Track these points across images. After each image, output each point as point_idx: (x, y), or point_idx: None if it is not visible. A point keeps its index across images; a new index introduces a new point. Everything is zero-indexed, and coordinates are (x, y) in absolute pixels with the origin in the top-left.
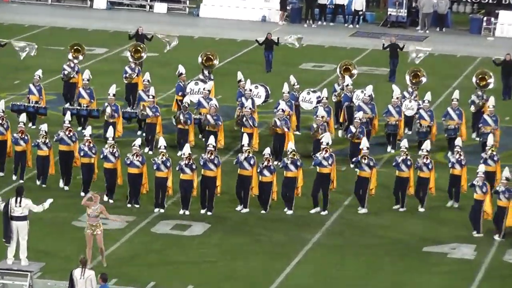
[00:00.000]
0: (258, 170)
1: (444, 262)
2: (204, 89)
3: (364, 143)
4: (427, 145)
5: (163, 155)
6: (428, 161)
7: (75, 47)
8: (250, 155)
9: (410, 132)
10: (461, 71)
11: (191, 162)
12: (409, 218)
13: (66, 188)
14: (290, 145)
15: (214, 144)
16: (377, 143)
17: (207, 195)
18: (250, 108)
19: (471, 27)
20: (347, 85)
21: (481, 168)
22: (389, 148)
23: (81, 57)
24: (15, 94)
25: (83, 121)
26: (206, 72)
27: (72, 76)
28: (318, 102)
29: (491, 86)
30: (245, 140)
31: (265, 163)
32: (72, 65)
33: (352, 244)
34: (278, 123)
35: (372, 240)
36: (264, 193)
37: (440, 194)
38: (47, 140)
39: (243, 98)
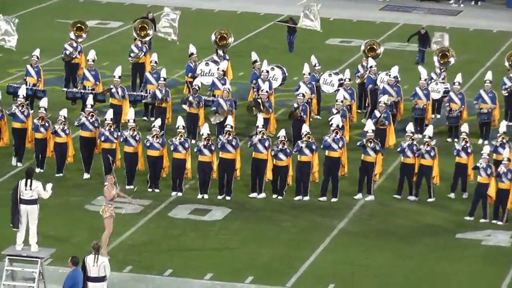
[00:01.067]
0: (273, 154)
1: (479, 249)
2: (218, 69)
3: (369, 126)
4: (429, 130)
5: (181, 135)
6: (430, 148)
7: (77, 25)
8: (265, 137)
9: (439, 116)
10: (496, 48)
11: (210, 143)
12: (439, 205)
13: (87, 176)
14: (304, 128)
15: (232, 124)
16: (403, 128)
17: (226, 179)
18: (267, 91)
19: (507, 1)
20: (371, 66)
21: (486, 149)
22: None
23: (84, 35)
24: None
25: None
26: (220, 52)
27: (74, 56)
28: (341, 85)
29: None
30: (260, 121)
31: (280, 146)
32: (75, 44)
33: (380, 231)
34: (297, 107)
35: (401, 227)
36: (279, 178)
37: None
38: (65, 127)
39: (259, 81)
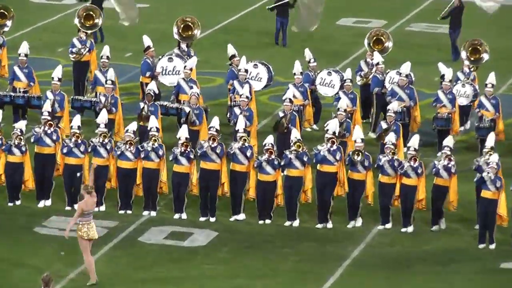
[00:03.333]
0: (256, 165)
1: None
2: (185, 67)
3: (358, 134)
4: (414, 141)
5: (155, 139)
6: (417, 164)
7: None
8: (246, 144)
9: (467, 127)
10: None
11: (188, 149)
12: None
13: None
14: (294, 134)
15: (218, 128)
16: (424, 143)
17: (209, 195)
18: (246, 97)
19: None
20: (378, 63)
21: (494, 157)
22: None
23: (9, 24)
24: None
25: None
26: (183, 46)
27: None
28: (342, 86)
29: None
30: (241, 123)
31: (266, 156)
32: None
33: (403, 260)
34: (283, 117)
35: (428, 254)
36: (265, 197)
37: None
38: (22, 142)
39: (235, 82)
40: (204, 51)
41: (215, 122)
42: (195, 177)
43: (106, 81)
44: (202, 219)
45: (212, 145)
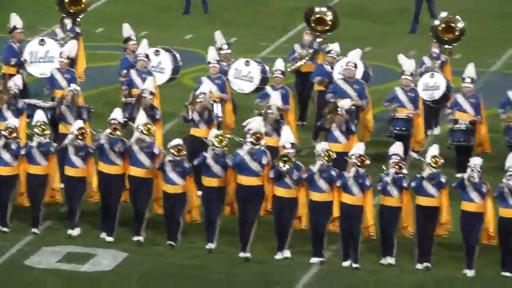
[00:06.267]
0: (158, 166)
1: None
2: (61, 54)
3: (287, 137)
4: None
5: (43, 128)
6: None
7: None
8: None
9: (437, 131)
10: None
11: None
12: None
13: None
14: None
15: (121, 121)
16: (375, 153)
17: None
18: (151, 93)
19: None
20: (330, 51)
21: (478, 160)
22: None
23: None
24: None
25: None
26: (68, 23)
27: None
28: (264, 79)
29: None
30: (142, 118)
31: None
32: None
33: None
34: (195, 117)
35: None
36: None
37: None
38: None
39: (133, 73)
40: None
41: (116, 113)
42: (95, 181)
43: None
44: (109, 238)
45: (113, 133)
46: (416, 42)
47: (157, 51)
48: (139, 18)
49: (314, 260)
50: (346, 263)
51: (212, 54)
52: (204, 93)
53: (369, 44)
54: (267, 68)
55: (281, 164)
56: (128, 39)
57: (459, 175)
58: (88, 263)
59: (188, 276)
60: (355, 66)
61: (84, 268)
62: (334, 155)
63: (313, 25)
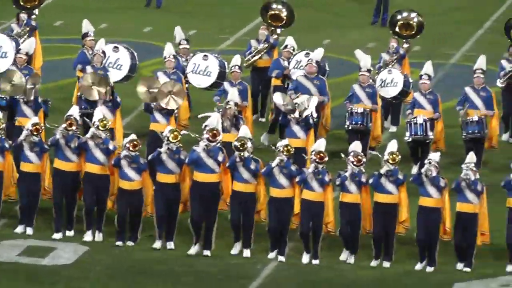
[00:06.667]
0: (114, 162)
1: None
2: (19, 50)
3: (244, 134)
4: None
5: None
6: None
7: None
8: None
9: (394, 129)
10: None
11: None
12: None
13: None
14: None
15: (77, 117)
16: (333, 151)
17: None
18: (112, 89)
19: None
20: (286, 46)
21: (435, 156)
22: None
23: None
24: None
25: None
26: (23, 17)
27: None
28: (222, 74)
29: None
30: (98, 114)
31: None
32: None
33: None
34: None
35: None
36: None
37: None
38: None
39: (89, 69)
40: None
41: (73, 109)
42: (48, 178)
43: None
44: (70, 233)
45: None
46: (377, 34)
47: (116, 47)
48: (99, 11)
49: (274, 255)
50: (306, 259)
51: (168, 49)
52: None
53: (328, 36)
54: (225, 62)
55: (238, 159)
56: (85, 35)
57: (415, 169)
58: (48, 257)
59: (150, 269)
60: (317, 63)
61: (44, 261)
62: (293, 151)
63: (269, 21)
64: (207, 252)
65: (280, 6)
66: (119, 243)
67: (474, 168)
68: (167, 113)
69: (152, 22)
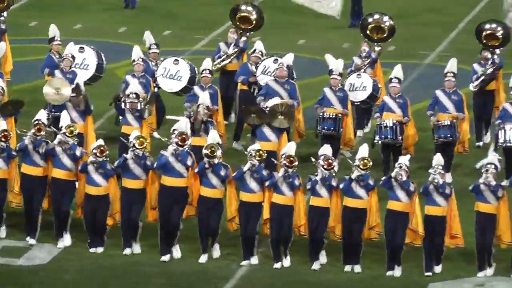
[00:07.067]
0: (81, 168)
1: None
2: None
3: (213, 139)
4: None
5: None
6: (295, 181)
7: None
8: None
9: (367, 130)
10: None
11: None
12: None
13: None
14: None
15: (45, 121)
16: (304, 155)
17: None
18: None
19: None
20: (254, 50)
21: (405, 159)
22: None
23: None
24: None
25: None
26: None
27: None
28: (193, 78)
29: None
30: (65, 120)
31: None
32: None
33: None
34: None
35: None
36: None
37: None
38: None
39: (57, 73)
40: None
41: (40, 114)
42: (17, 183)
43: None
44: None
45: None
46: (350, 35)
47: (82, 48)
48: (73, 11)
49: (245, 262)
50: (277, 264)
51: (136, 52)
52: (131, 94)
53: (303, 37)
54: (195, 67)
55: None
56: (52, 39)
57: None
58: (23, 257)
59: (123, 269)
60: (288, 67)
61: (20, 262)
62: (265, 155)
63: (238, 23)
64: (165, 258)
65: (250, 8)
66: (92, 250)
67: (442, 171)
68: (140, 116)
69: (126, 23)
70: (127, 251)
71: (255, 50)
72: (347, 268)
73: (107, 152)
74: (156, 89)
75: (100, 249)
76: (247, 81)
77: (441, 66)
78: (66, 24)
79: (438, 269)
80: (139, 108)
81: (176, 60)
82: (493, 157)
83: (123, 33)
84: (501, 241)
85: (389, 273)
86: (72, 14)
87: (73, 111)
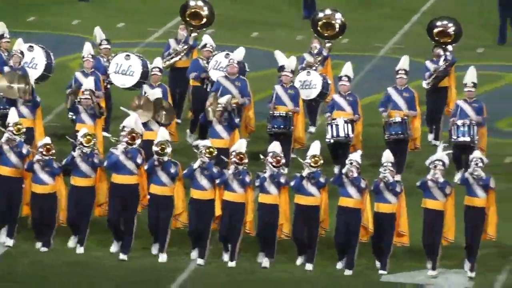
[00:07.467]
0: (27, 166)
1: None
2: None
3: (162, 136)
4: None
5: None
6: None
7: None
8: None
9: (313, 130)
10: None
11: None
12: None
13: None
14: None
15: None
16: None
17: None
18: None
19: None
20: (205, 45)
21: (356, 155)
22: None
23: None
24: None
25: None
26: None
27: None
28: (145, 73)
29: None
30: (13, 117)
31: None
32: None
33: None
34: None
35: None
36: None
37: None
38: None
39: (6, 70)
40: None
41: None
42: None
43: None
44: None
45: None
46: (306, 27)
47: (31, 46)
48: (29, 4)
49: (195, 256)
50: (230, 263)
51: (87, 48)
52: (91, 93)
53: (257, 29)
54: (147, 62)
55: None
56: (1, 37)
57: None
58: None
59: (68, 271)
60: (238, 63)
61: None
62: (216, 152)
63: (188, 19)
64: (123, 256)
65: (200, 3)
66: (44, 249)
67: (392, 169)
68: (94, 115)
69: (80, 15)
70: (80, 250)
71: (205, 44)
72: (299, 261)
73: (53, 151)
74: (108, 86)
75: (44, 249)
76: (199, 78)
77: (394, 59)
78: (19, 17)
79: (382, 271)
80: (93, 105)
81: (127, 55)
82: (441, 153)
83: (76, 25)
84: (444, 238)
85: (339, 265)
86: (25, 6)
87: (22, 106)
